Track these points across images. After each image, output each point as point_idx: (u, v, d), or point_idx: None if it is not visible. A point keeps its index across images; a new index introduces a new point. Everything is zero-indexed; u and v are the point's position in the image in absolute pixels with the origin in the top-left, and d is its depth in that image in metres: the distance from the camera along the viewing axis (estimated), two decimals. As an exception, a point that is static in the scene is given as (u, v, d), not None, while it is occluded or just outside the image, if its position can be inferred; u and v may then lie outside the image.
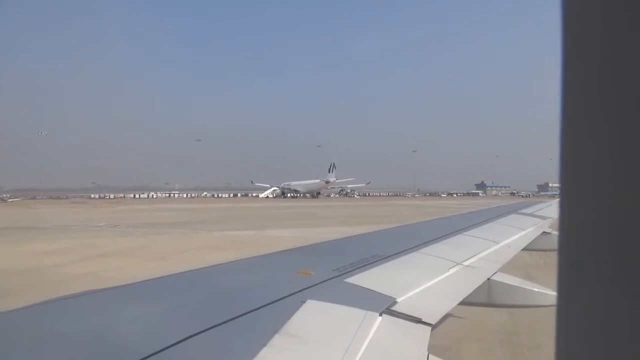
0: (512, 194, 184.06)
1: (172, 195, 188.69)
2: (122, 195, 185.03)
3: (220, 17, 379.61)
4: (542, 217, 8.65)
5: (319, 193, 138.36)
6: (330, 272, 3.07)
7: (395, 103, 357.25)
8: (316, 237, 4.95)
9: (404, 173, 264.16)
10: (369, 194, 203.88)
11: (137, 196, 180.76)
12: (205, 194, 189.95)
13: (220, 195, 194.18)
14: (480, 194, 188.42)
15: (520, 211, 9.69)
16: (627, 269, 0.49)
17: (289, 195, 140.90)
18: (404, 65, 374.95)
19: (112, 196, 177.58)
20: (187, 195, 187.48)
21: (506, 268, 4.17)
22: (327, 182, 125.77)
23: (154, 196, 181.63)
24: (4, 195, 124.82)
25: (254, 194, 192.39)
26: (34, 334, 1.80)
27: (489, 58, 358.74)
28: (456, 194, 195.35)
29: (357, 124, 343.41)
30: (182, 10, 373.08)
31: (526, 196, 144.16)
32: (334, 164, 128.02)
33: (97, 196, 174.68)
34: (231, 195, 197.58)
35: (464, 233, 5.68)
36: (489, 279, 3.66)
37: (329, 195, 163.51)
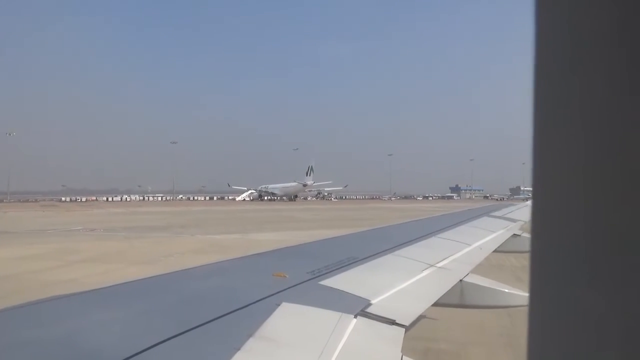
0: (486, 197, 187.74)
1: (146, 198, 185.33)
2: (94, 198, 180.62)
3: (197, 18, 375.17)
4: (512, 220, 8.81)
5: (296, 196, 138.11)
6: (305, 274, 3.07)
7: (372, 107, 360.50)
8: (301, 240, 4.90)
9: (380, 176, 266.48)
10: (345, 197, 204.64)
11: (110, 199, 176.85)
12: (181, 197, 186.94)
13: (195, 198, 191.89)
14: (454, 197, 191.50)
15: (491, 214, 9.84)
16: (600, 269, 0.50)
17: (266, 198, 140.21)
18: (380, 69, 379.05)
19: (83, 199, 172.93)
20: (161, 198, 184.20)
21: (477, 269, 4.23)
22: (304, 185, 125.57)
23: (128, 199, 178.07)
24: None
25: (230, 197, 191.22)
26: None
27: (463, 62, 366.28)
28: (431, 197, 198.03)
29: (334, 127, 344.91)
30: (157, 12, 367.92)
31: (499, 199, 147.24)
32: (311, 167, 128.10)
33: (68, 199, 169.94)
34: (207, 198, 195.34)
35: (438, 235, 5.76)
36: (461, 280, 3.70)
37: (305, 198, 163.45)
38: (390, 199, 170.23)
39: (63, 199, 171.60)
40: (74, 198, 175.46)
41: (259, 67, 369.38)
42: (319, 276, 3.07)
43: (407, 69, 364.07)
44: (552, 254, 0.54)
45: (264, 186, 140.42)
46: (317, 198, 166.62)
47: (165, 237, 26.87)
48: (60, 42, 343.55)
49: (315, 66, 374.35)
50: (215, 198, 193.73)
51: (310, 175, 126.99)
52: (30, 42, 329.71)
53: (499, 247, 6.01)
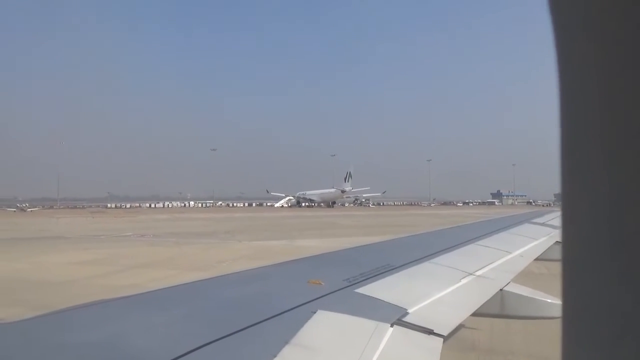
0: (529, 203, 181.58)
1: (187, 204, 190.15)
2: (137, 204, 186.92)
3: (231, 24, 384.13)
4: (555, 227, 8.58)
5: (334, 202, 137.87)
6: (341, 282, 3.07)
7: (411, 111, 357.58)
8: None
9: (418, 182, 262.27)
10: (383, 204, 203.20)
11: (153, 206, 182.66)
12: (220, 204, 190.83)
13: (235, 204, 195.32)
14: (496, 203, 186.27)
15: (533, 220, 9.60)
16: (631, 267, 0.50)
17: (303, 204, 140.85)
18: (419, 72, 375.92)
19: (128, 205, 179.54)
20: (201, 205, 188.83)
21: (519, 278, 4.13)
22: (342, 192, 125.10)
23: (170, 206, 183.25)
24: (24, 205, 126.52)
25: (268, 204, 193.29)
26: (45, 344, 1.78)
27: (504, 63, 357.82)
28: (471, 203, 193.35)
29: (372, 133, 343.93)
30: (194, 20, 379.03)
31: (543, 205, 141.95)
32: (349, 172, 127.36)
33: (113, 205, 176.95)
34: (246, 204, 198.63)
35: (476, 242, 5.67)
36: (501, 289, 3.65)
37: (343, 205, 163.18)
38: (429, 205, 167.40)
39: (109, 205, 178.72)
40: (118, 204, 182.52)
41: (297, 72, 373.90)
42: (355, 284, 3.06)
43: (445, 70, 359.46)
44: (583, 256, 0.54)
45: (301, 193, 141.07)
46: (354, 204, 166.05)
47: (213, 243, 27.17)
48: (100, 47, 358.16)
49: (352, 73, 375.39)
50: (253, 204, 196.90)
51: (348, 182, 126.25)
52: (68, 49, 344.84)
53: (541, 255, 5.87)
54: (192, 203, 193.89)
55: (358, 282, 3.10)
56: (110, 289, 13.11)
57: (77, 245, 26.13)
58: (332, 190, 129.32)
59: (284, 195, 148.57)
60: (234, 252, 22.25)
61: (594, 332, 0.53)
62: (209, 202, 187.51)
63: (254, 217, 66.32)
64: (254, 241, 27.82)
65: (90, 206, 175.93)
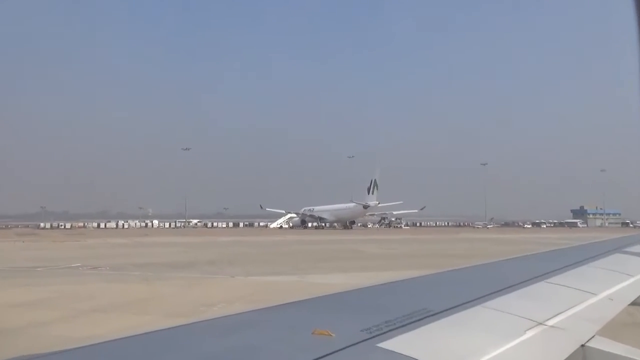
0: (625, 224, 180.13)
1: (149, 224, 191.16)
2: (82, 224, 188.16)
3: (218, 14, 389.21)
4: None
5: (353, 222, 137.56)
6: (358, 332, 3.06)
7: (457, 99, 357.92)
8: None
9: (469, 195, 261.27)
10: (421, 224, 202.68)
11: (102, 225, 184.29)
12: (196, 223, 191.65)
13: (215, 224, 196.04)
14: (579, 224, 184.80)
15: (626, 249, 9.47)
16: None
17: (310, 224, 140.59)
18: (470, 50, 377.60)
19: (68, 225, 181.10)
20: (169, 225, 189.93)
21: (607, 330, 4.11)
22: (365, 207, 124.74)
23: (125, 226, 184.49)
24: None
25: (261, 223, 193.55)
26: None
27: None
28: (545, 223, 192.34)
29: (405, 128, 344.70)
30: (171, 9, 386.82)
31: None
32: (374, 181, 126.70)
33: (48, 225, 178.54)
34: (230, 224, 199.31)
35: (547, 280, 5.67)
36: (583, 345, 3.67)
37: (365, 225, 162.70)
38: (485, 226, 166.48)
39: (42, 224, 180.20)
40: (55, 224, 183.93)
41: (293, 49, 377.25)
42: (377, 335, 3.04)
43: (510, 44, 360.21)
44: None
45: (308, 208, 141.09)
46: (380, 225, 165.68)
47: (195, 278, 27.22)
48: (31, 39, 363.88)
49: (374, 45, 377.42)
50: (241, 224, 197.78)
51: (373, 193, 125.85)
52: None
53: (638, 298, 5.80)
54: (155, 222, 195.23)
55: (382, 334, 3.08)
56: (65, 342, 13.14)
57: (11, 281, 26.29)
58: (351, 205, 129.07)
59: (283, 211, 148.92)
60: (227, 291, 22.30)
61: None
62: (180, 221, 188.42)
63: (244, 241, 66.43)
64: (251, 276, 27.86)
65: (18, 226, 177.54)
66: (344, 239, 73.83)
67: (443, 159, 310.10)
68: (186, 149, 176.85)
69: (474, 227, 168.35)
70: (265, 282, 25.56)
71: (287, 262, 36.03)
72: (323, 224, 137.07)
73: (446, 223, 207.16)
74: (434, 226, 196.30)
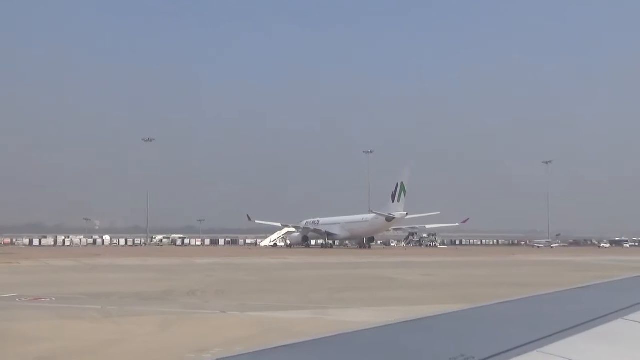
0: None
1: (99, 240, 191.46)
2: (8, 239, 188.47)
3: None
4: None
5: (371, 239, 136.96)
6: None
7: (507, 78, 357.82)
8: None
9: (526, 204, 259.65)
10: (461, 242, 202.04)
11: (36, 242, 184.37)
12: (161, 240, 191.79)
13: (186, 241, 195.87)
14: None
15: None
16: None
17: (313, 242, 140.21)
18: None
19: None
20: (126, 242, 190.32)
21: None
22: (389, 219, 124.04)
23: (67, 242, 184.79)
24: None
25: (248, 240, 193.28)
26: None
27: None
28: (627, 242, 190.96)
29: (442, 114, 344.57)
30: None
31: None
32: (401, 185, 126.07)
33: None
34: (207, 241, 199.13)
35: (627, 317, 5.61)
36: None
37: (386, 244, 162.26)
38: (548, 245, 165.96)
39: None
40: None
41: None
42: None
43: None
44: None
45: (312, 221, 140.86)
46: (407, 243, 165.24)
47: (175, 314, 26.84)
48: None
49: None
50: (221, 241, 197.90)
51: (399, 201, 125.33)
52: None
53: None
54: (107, 238, 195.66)
55: None
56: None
57: None
58: (369, 216, 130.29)
59: (278, 224, 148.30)
60: (219, 333, 21.95)
61: None
62: (139, 238, 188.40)
63: (230, 264, 66.59)
64: (249, 311, 27.65)
65: None
66: (363, 261, 73.72)
67: (492, 157, 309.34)
68: (148, 140, 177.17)
69: (533, 246, 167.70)
70: (270, 320, 25.29)
71: (294, 293, 35.91)
72: (331, 242, 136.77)
73: (495, 241, 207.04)
74: (478, 244, 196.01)
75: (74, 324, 24.10)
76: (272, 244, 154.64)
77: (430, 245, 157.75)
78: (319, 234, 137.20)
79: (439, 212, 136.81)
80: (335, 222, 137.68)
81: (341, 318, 25.75)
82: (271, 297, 33.40)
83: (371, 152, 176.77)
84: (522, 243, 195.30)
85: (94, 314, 26.72)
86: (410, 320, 5.05)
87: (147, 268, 59.77)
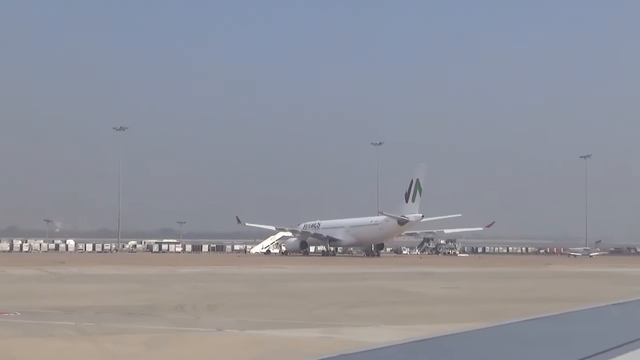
0: None
1: (63, 245, 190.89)
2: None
3: None
4: None
5: (381, 245, 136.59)
6: None
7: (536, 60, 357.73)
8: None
9: (560, 206, 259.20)
10: (484, 249, 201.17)
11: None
12: (135, 245, 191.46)
13: (163, 247, 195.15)
14: None
15: None
16: None
17: (313, 248, 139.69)
18: None
19: None
20: (94, 247, 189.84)
21: None
22: (401, 223, 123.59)
23: (25, 247, 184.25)
24: None
25: (237, 246, 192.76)
26: None
27: None
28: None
29: (458, 103, 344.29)
30: None
31: None
32: (416, 182, 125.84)
33: None
34: (188, 247, 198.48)
35: None
36: None
37: (397, 252, 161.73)
38: (587, 254, 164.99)
39: None
40: None
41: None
42: None
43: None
44: None
45: (311, 224, 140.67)
46: (421, 250, 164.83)
47: (164, 332, 26.69)
48: None
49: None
50: (205, 248, 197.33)
51: (414, 202, 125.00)
52: None
53: None
54: (71, 243, 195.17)
55: None
56: None
57: None
58: (379, 219, 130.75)
59: (272, 228, 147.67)
60: (219, 354, 22.23)
61: None
62: (109, 242, 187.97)
63: (220, 274, 66.56)
64: (249, 329, 27.47)
65: None
66: (373, 272, 73.61)
67: (519, 150, 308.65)
68: (120, 128, 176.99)
69: (569, 254, 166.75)
70: (274, 339, 25.20)
71: (299, 308, 35.75)
72: (332, 249, 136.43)
73: (524, 249, 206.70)
74: (504, 252, 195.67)
75: (46, 343, 23.88)
76: (264, 250, 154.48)
77: (448, 253, 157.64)
78: (320, 239, 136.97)
79: (460, 215, 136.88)
80: (338, 225, 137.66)
81: (356, 337, 25.65)
82: (272, 313, 33.33)
83: (380, 144, 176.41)
84: (555, 251, 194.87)
85: (67, 331, 26.48)
86: (434, 338, 5.10)
87: (123, 278, 59.76)
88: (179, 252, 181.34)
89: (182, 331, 27.15)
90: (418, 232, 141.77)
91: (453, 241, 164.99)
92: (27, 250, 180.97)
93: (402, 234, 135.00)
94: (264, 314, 32.89)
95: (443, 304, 39.58)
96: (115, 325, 28.66)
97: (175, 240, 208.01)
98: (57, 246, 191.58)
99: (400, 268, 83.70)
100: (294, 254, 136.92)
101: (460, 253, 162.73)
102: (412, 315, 32.70)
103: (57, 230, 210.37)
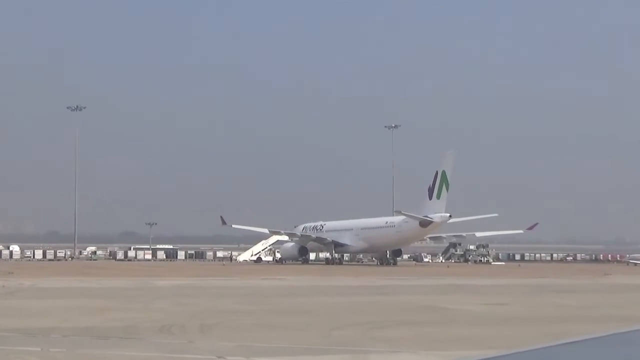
0: None
1: (5, 252, 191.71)
2: None
3: None
4: None
5: (398, 252, 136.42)
6: None
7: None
8: None
9: (612, 206, 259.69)
10: (522, 256, 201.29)
11: None
12: (94, 252, 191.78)
13: (130, 254, 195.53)
14: None
15: None
16: None
17: (312, 256, 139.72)
18: None
19: None
20: (44, 254, 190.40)
21: None
22: (424, 224, 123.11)
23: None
24: None
25: (220, 253, 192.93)
26: None
27: None
28: None
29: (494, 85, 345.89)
30: None
31: None
32: (442, 175, 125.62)
33: None
34: (160, 254, 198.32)
35: None
36: None
37: (416, 259, 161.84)
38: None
39: None
40: None
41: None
42: None
43: None
44: None
45: (312, 225, 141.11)
46: (446, 257, 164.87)
47: (152, 358, 26.63)
48: None
49: None
50: (181, 254, 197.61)
51: (439, 199, 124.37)
52: None
53: None
54: (15, 249, 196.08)
55: None
56: None
57: None
58: (396, 220, 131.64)
59: (265, 230, 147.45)
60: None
61: None
62: (63, 249, 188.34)
63: (207, 287, 66.90)
64: (257, 356, 27.59)
65: None
66: (394, 284, 73.81)
67: (563, 142, 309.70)
68: (76, 108, 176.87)
69: (628, 262, 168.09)
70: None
71: (313, 329, 35.77)
72: (337, 255, 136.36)
73: (571, 256, 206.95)
74: (547, 260, 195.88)
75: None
76: (254, 258, 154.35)
77: (480, 260, 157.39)
78: (323, 244, 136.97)
79: (496, 214, 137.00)
80: (345, 227, 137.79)
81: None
82: (281, 336, 33.26)
83: (396, 127, 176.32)
84: (609, 259, 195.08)
85: (33, 359, 26.37)
86: None
87: (89, 292, 59.69)
88: (148, 260, 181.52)
89: (173, 359, 26.94)
90: (444, 235, 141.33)
91: (485, 247, 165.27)
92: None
93: (424, 237, 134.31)
94: (271, 337, 32.90)
95: (489, 324, 39.55)
96: (90, 351, 28.50)
97: (146, 246, 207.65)
98: (11, 254, 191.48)
99: (426, 279, 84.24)
100: (292, 261, 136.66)
101: (494, 261, 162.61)
102: (454, 339, 32.91)
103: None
